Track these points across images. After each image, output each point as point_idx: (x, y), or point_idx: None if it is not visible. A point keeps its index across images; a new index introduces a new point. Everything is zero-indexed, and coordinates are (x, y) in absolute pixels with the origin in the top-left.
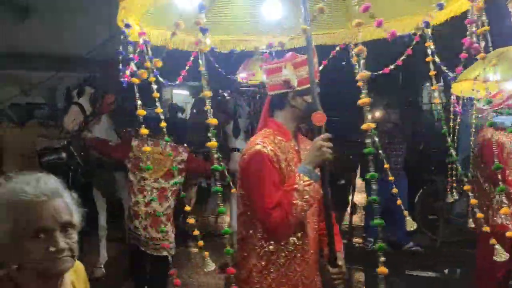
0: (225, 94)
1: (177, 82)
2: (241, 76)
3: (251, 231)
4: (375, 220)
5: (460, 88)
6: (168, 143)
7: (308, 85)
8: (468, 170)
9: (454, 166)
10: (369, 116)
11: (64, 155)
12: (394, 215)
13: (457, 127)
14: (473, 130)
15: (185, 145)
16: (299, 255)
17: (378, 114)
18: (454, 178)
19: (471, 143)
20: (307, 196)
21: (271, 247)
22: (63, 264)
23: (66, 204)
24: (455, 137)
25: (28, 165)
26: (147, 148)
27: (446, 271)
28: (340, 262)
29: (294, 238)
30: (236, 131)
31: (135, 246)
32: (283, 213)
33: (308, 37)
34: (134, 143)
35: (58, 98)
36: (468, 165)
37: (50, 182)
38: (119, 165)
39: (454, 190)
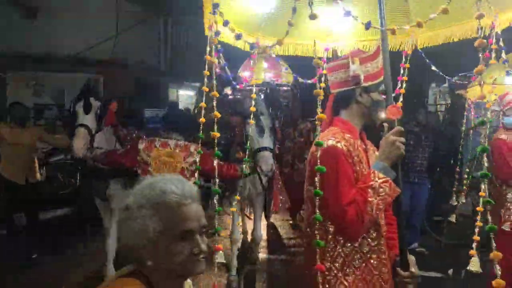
0: (228, 93)
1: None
2: (244, 75)
3: (321, 233)
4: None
5: (474, 93)
6: (178, 141)
7: (375, 81)
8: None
9: (459, 169)
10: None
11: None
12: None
13: (471, 131)
14: (486, 131)
15: (198, 144)
16: (374, 256)
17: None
18: (462, 182)
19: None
20: (383, 194)
21: (345, 248)
22: (202, 266)
23: (202, 208)
24: (466, 140)
25: (24, 166)
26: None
27: (450, 271)
28: (412, 266)
29: (369, 239)
30: (260, 130)
31: None
32: (358, 211)
33: (383, 33)
34: (141, 146)
35: (66, 99)
36: (478, 167)
37: (191, 186)
38: (131, 172)
39: (459, 193)
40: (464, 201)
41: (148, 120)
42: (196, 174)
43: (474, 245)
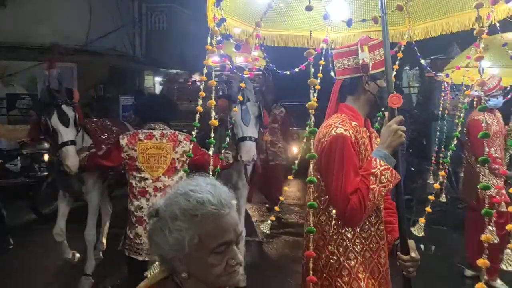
0: (197, 79)
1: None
2: (214, 60)
3: (324, 218)
4: None
5: (451, 76)
6: (163, 130)
7: (382, 69)
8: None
9: (437, 149)
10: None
11: (47, 145)
12: None
13: (446, 114)
14: (461, 114)
15: (186, 133)
16: (374, 240)
17: None
18: (438, 161)
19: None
20: (384, 181)
21: (348, 234)
22: (238, 277)
23: (237, 214)
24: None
25: None
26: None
27: (422, 246)
28: (412, 251)
29: (369, 224)
30: (246, 117)
31: (131, 259)
32: (361, 198)
33: (384, 20)
34: (124, 141)
35: (39, 88)
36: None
37: (226, 191)
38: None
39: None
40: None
41: (124, 108)
42: (183, 167)
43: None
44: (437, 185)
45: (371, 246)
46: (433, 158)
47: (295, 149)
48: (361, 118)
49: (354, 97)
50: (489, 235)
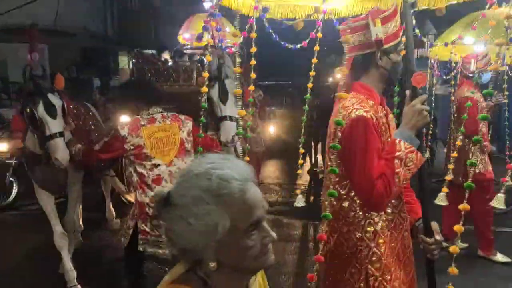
0: (167, 58)
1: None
2: (184, 37)
3: (347, 204)
4: None
5: (436, 52)
6: (161, 113)
7: (395, 42)
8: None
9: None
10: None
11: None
12: None
13: (438, 89)
14: (452, 90)
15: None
16: (398, 223)
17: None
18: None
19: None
20: (410, 164)
21: (375, 217)
22: (272, 256)
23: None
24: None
25: None
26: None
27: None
28: (436, 234)
29: (392, 207)
30: (223, 95)
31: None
32: (386, 183)
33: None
34: (125, 131)
35: (9, 70)
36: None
37: (244, 164)
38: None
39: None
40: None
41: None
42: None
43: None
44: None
45: (395, 228)
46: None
47: (271, 129)
48: (377, 95)
49: (367, 74)
50: (496, 202)
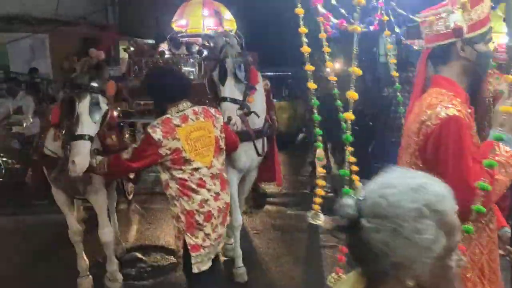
0: (165, 48)
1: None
2: (179, 24)
3: None
4: None
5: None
6: (193, 109)
7: (481, 30)
8: None
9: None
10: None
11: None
12: None
13: None
14: None
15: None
16: (485, 234)
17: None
18: None
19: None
20: (511, 170)
21: (475, 224)
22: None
23: None
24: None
25: None
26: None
27: None
28: None
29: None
30: (223, 75)
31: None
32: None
33: None
34: (158, 134)
35: (10, 60)
36: None
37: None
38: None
39: None
40: None
41: None
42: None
43: None
44: None
45: (481, 240)
46: None
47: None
48: (462, 92)
49: (447, 67)
50: None
